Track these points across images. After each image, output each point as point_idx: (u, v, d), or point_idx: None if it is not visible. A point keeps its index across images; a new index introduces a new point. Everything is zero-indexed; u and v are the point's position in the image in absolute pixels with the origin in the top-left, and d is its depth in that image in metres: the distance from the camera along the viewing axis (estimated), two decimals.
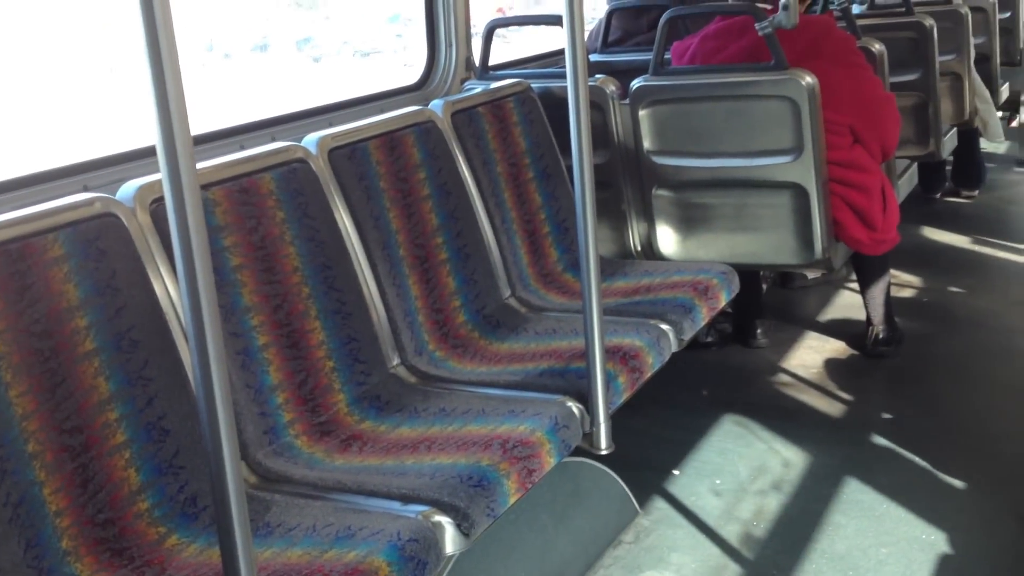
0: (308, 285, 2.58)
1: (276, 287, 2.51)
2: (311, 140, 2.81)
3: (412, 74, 3.84)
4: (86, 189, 2.48)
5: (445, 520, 2.02)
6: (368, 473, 2.24)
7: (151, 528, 2.07)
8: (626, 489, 3.06)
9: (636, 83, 3.63)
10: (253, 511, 2.10)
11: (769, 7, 3.54)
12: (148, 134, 1.52)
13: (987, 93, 5.74)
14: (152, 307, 2.22)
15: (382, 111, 3.29)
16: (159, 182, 1.71)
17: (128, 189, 2.33)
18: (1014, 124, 7.12)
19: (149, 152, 2.60)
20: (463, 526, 2.03)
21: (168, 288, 2.27)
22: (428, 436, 2.40)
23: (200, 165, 2.41)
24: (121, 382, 2.11)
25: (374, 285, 2.78)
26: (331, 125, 3.09)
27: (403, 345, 2.82)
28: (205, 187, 2.42)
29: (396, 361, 2.79)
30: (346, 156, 2.85)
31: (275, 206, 2.57)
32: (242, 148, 2.85)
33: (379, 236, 2.85)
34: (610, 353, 2.64)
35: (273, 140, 2.94)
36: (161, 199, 2.27)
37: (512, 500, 2.18)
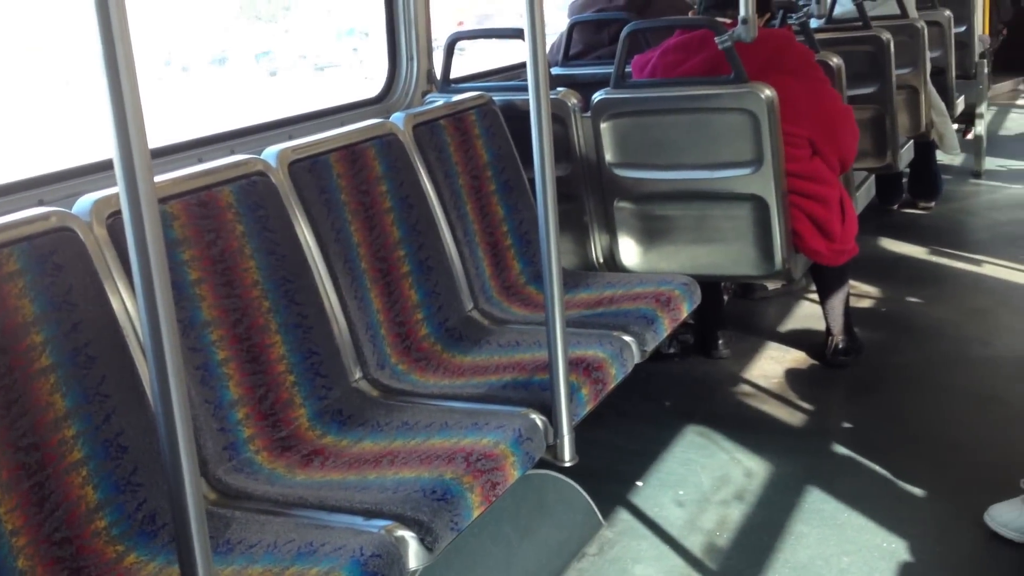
0: (268, 299, 2.56)
1: (235, 301, 2.48)
2: (271, 153, 2.79)
3: (373, 87, 3.83)
4: (42, 203, 2.45)
5: (408, 534, 2.00)
6: (330, 488, 2.22)
7: (109, 546, 2.04)
8: (590, 501, 3.06)
9: (597, 96, 3.64)
10: (213, 528, 2.08)
11: (728, 21, 3.57)
12: (105, 147, 1.50)
13: (943, 106, 5.82)
14: (109, 322, 2.19)
15: (343, 124, 3.28)
16: (116, 196, 1.69)
17: (84, 203, 2.30)
18: (969, 136, 7.22)
19: (106, 166, 2.57)
20: (426, 540, 2.02)
21: (126, 303, 2.24)
22: (391, 450, 2.38)
23: (158, 178, 2.38)
24: (78, 398, 2.08)
25: (335, 298, 2.77)
26: (291, 138, 3.08)
27: (365, 359, 2.80)
28: (163, 201, 2.40)
29: (358, 375, 2.78)
30: (307, 169, 2.83)
31: (234, 219, 2.55)
32: (201, 161, 2.83)
33: (340, 249, 2.83)
34: (573, 365, 2.64)
35: (232, 153, 2.92)
36: (118, 213, 2.22)
37: (476, 513, 2.17)
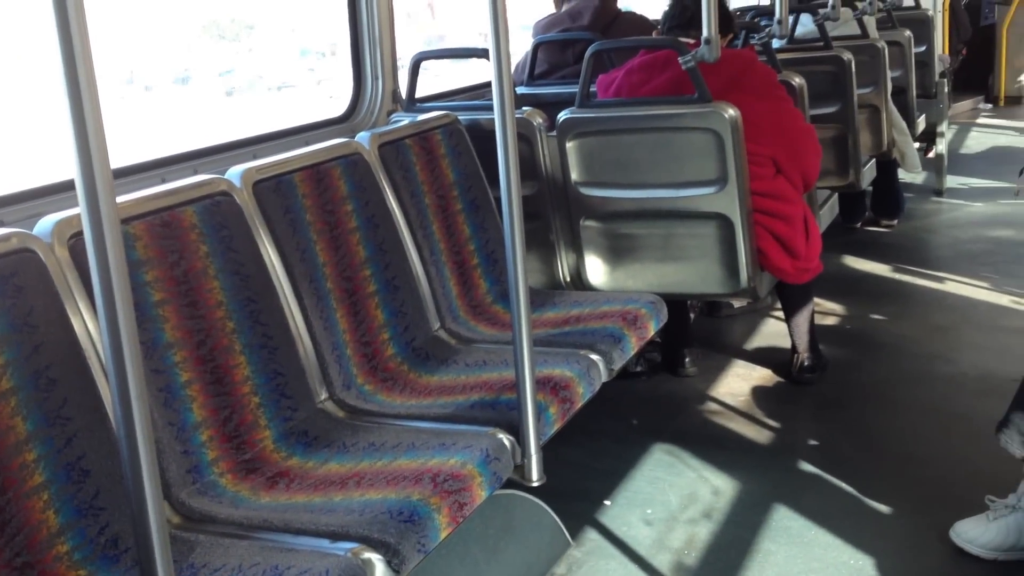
0: (232, 319, 2.54)
1: (199, 322, 2.46)
2: (235, 173, 2.77)
3: (335, 106, 3.82)
4: (2, 224, 2.41)
5: (375, 557, 1.98)
6: (295, 511, 2.20)
7: (71, 571, 2.00)
8: (558, 521, 3.05)
9: (563, 115, 3.65)
10: (176, 552, 2.05)
11: (692, 41, 3.60)
12: (66, 168, 1.48)
13: (904, 125, 5.89)
14: (71, 344, 2.16)
15: (307, 143, 3.27)
16: (78, 216, 1.67)
17: (46, 224, 2.27)
18: (931, 155, 7.31)
19: (68, 186, 2.55)
20: (393, 562, 2.00)
21: (87, 325, 2.21)
22: (357, 471, 2.37)
23: (120, 199, 2.36)
24: (39, 421, 2.04)
25: (301, 319, 2.75)
26: (255, 157, 3.06)
27: (331, 379, 2.78)
28: (125, 221, 2.37)
29: (324, 396, 2.76)
30: (271, 189, 2.82)
31: (198, 240, 2.53)
32: (164, 181, 2.80)
33: (306, 269, 2.81)
34: (540, 384, 2.64)
35: (196, 173, 2.90)
36: (80, 234, 2.20)
37: (443, 534, 2.15)
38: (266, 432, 2.52)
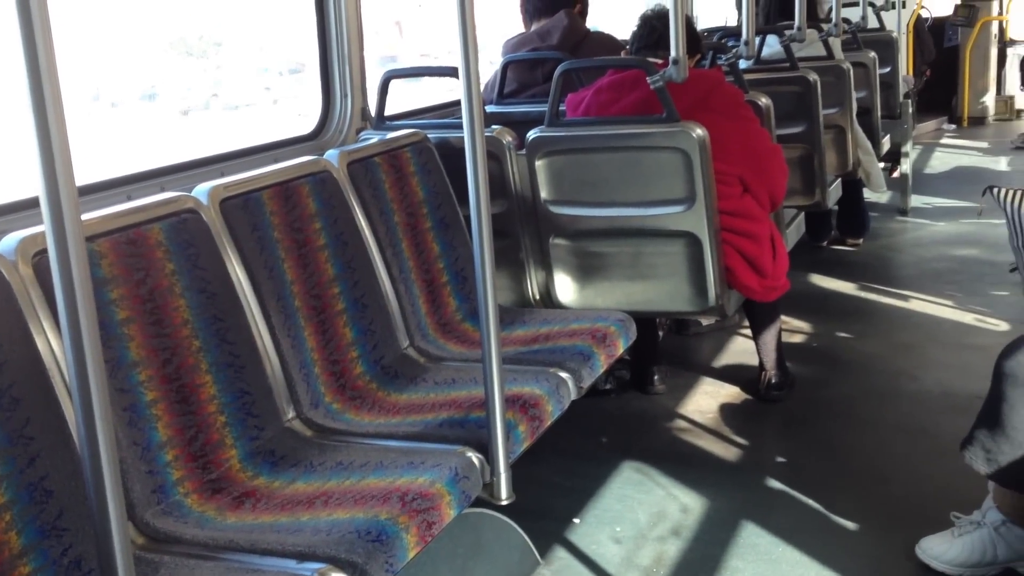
0: (199, 338, 2.52)
1: (165, 340, 2.44)
2: (202, 190, 2.76)
3: (285, 128, 3.81)
4: None
5: None
6: (262, 531, 2.18)
7: None
8: (527, 539, 3.04)
9: (532, 134, 3.66)
10: (141, 573, 2.03)
11: (660, 61, 3.63)
12: (31, 184, 1.47)
13: (869, 145, 5.95)
14: (34, 363, 2.13)
15: (276, 161, 3.26)
16: (42, 234, 1.65)
17: (9, 242, 2.25)
18: (896, 175, 7.39)
19: (32, 203, 2.52)
20: None
21: (51, 343, 2.19)
22: (325, 491, 2.35)
23: (85, 216, 2.33)
24: (2, 441, 2.01)
25: (268, 337, 2.73)
26: (223, 175, 3.04)
27: (298, 398, 2.77)
28: (91, 239, 2.35)
29: (291, 414, 2.74)
30: (239, 206, 2.80)
31: (164, 257, 2.51)
32: (130, 199, 2.78)
33: (273, 287, 2.80)
34: (510, 402, 2.64)
35: (163, 190, 2.88)
36: (45, 251, 2.19)
37: (411, 554, 2.14)
38: (232, 451, 2.50)
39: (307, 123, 3.82)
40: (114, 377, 2.29)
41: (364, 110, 3.85)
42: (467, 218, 2.64)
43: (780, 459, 3.72)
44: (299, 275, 2.89)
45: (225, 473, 2.45)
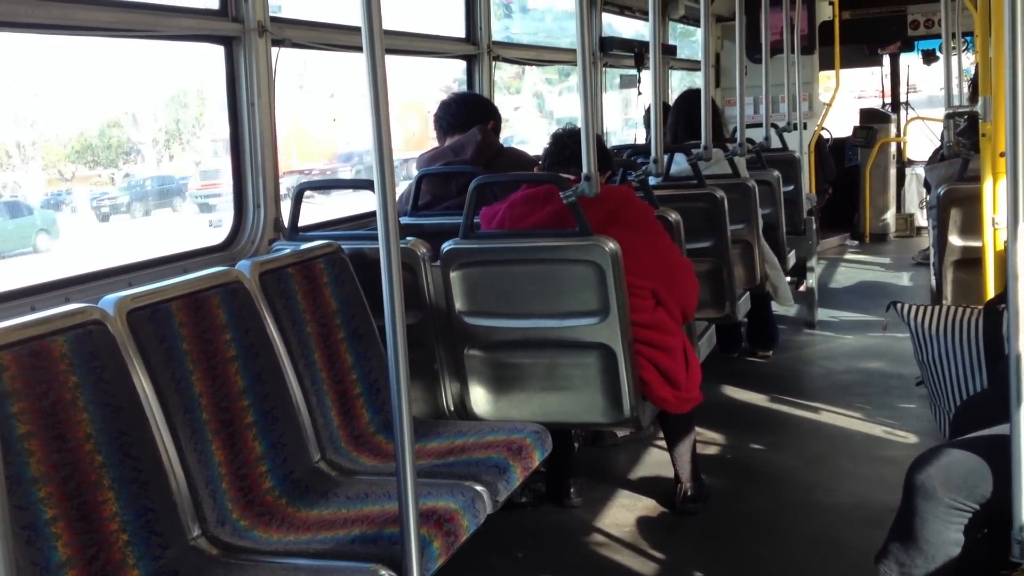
0: (102, 453, 2.43)
1: (67, 455, 2.35)
2: (109, 301, 2.70)
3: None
4: None
5: None
6: None
7: None
8: None
9: (447, 246, 3.68)
10: None
11: (572, 177, 3.69)
12: None
13: (776, 259, 6.10)
14: None
15: (186, 271, 3.21)
16: None
17: None
18: (802, 288, 7.57)
19: None
20: None
21: None
22: None
23: None
24: None
25: (174, 451, 2.65)
26: (131, 285, 2.99)
27: (204, 515, 2.68)
28: None
29: (196, 532, 2.64)
30: (147, 317, 2.74)
31: (68, 370, 2.44)
32: (34, 310, 2.72)
33: (180, 400, 2.73)
34: (424, 517, 2.58)
35: (68, 301, 2.82)
36: None
37: None
38: (134, 572, 2.40)
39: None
40: (13, 494, 2.20)
41: (277, 220, 3.84)
42: (381, 329, 2.62)
43: (697, 573, 3.69)
44: (207, 387, 2.83)
45: None
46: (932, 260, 5.53)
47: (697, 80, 5.79)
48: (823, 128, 10.09)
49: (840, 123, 11.30)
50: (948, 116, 5.91)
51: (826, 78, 10.02)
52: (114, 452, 2.47)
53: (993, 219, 4.05)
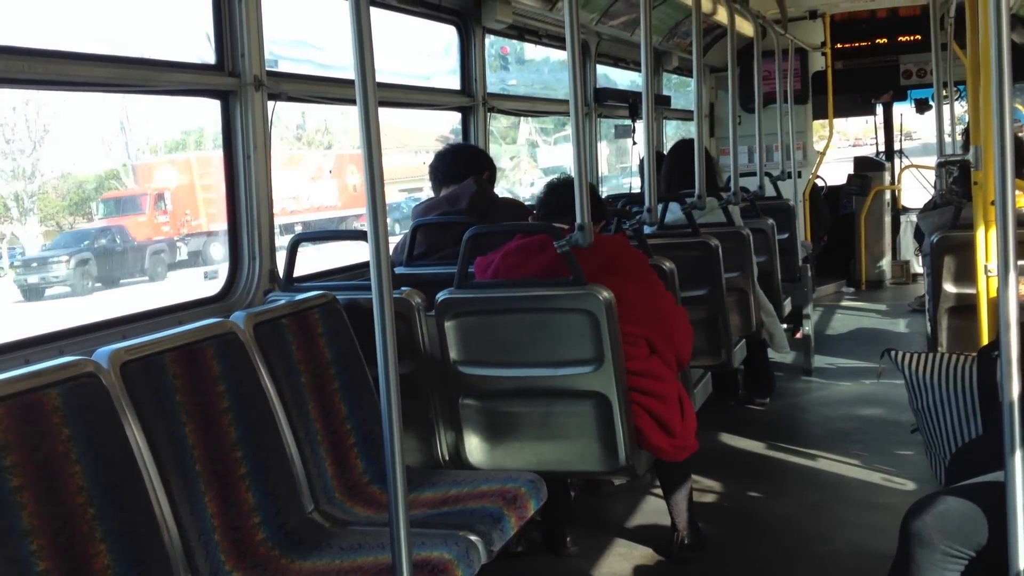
0: (94, 505, 2.43)
1: (59, 508, 2.35)
2: (102, 354, 2.71)
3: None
4: None
5: None
6: None
7: None
8: None
9: (441, 295, 3.69)
10: None
11: (566, 227, 3.71)
12: None
13: (771, 307, 6.11)
14: None
15: (180, 323, 3.22)
16: None
17: None
18: (798, 335, 7.57)
19: None
20: None
21: None
22: None
23: None
24: None
25: (167, 503, 2.64)
26: (125, 338, 3.00)
27: (196, 567, 2.66)
28: None
29: None
30: (140, 370, 2.75)
31: (61, 423, 2.44)
32: (28, 362, 2.72)
33: (174, 452, 2.73)
34: (418, 568, 2.57)
35: (61, 354, 2.83)
36: None
37: None
38: None
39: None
40: (4, 547, 2.20)
41: (272, 272, 3.86)
42: (375, 379, 2.63)
43: None
44: (201, 439, 2.83)
45: None
46: (927, 307, 5.54)
47: (692, 130, 5.85)
48: (817, 176, 10.15)
49: (836, 171, 11.36)
50: (940, 165, 5.95)
51: (820, 127, 10.10)
52: (106, 504, 2.46)
53: (986, 267, 4.07)
